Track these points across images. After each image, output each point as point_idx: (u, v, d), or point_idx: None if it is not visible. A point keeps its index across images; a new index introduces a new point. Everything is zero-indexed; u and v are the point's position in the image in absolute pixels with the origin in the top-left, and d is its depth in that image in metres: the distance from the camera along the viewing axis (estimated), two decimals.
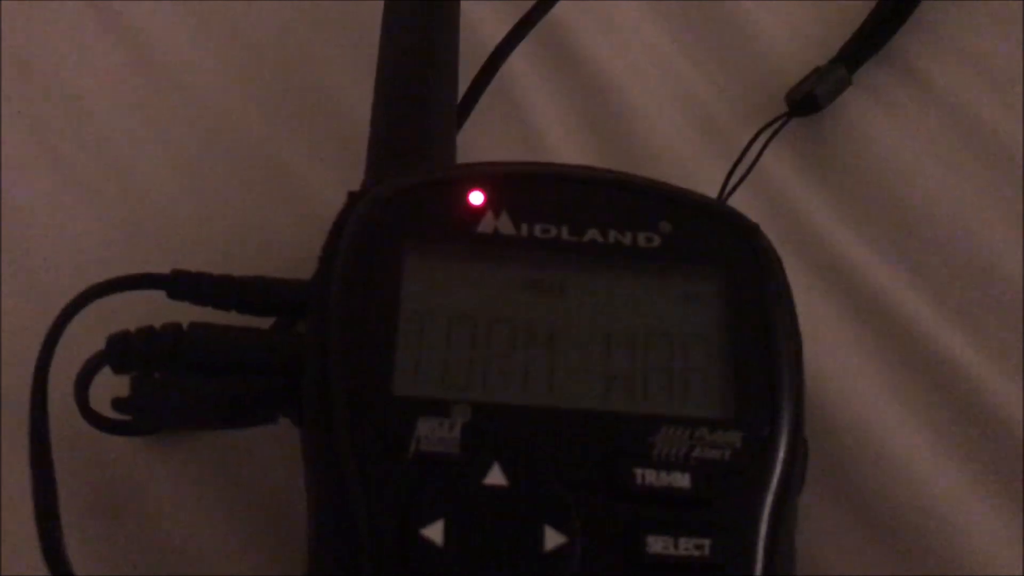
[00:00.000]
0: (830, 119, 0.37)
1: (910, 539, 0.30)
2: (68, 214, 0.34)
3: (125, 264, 0.28)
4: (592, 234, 0.25)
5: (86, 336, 0.26)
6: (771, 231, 0.31)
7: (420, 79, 0.30)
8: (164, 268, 0.27)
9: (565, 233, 0.25)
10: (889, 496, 0.30)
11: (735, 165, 0.34)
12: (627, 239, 0.25)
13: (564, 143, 0.36)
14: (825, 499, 0.30)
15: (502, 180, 0.26)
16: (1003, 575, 0.29)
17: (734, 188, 0.34)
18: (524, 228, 0.25)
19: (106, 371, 0.26)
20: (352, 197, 0.26)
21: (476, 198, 0.25)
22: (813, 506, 0.30)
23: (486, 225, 0.25)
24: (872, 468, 0.30)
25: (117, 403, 0.25)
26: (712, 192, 0.34)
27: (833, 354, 0.32)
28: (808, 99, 0.36)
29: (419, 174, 0.27)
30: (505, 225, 0.25)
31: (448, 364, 0.24)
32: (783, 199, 0.35)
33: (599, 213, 0.26)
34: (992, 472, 0.31)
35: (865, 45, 0.37)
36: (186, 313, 0.26)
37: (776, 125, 0.35)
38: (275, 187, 0.34)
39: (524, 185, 0.26)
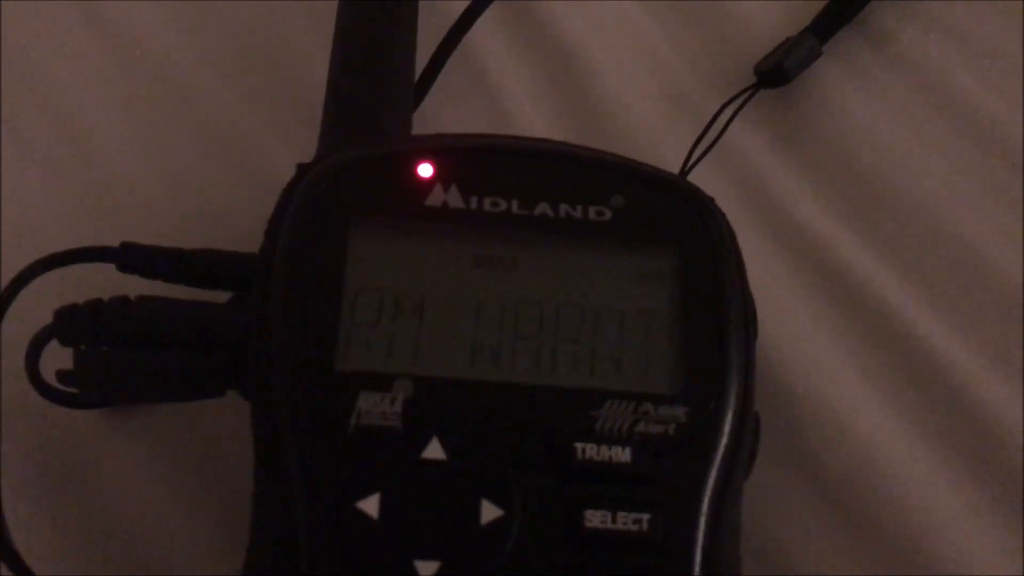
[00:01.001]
0: (799, 91, 0.36)
1: (869, 514, 0.29)
2: (25, 186, 0.33)
3: (82, 237, 0.28)
4: (543, 208, 0.25)
5: (40, 309, 0.26)
6: (738, 204, 0.31)
7: (374, 51, 0.30)
8: (122, 241, 0.27)
9: (515, 207, 0.25)
10: (848, 470, 0.30)
11: (700, 137, 0.34)
12: (578, 213, 0.25)
13: (530, 113, 0.36)
14: (783, 473, 0.30)
15: (451, 153, 0.26)
16: (960, 546, 0.29)
17: (698, 160, 0.34)
18: (473, 201, 0.25)
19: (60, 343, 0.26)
20: (301, 169, 0.26)
21: (424, 171, 0.25)
22: (770, 480, 0.29)
23: (434, 198, 0.25)
24: (832, 442, 0.30)
25: (61, 375, 0.25)
26: (677, 164, 0.34)
27: (798, 328, 0.32)
28: (777, 70, 0.35)
29: (368, 146, 0.26)
30: (454, 198, 0.25)
31: (392, 339, 0.24)
32: (750, 172, 0.35)
33: (550, 186, 0.25)
34: (956, 446, 0.31)
35: (837, 15, 0.37)
36: (144, 287, 0.26)
37: (744, 97, 0.35)
38: (235, 160, 0.34)
39: (474, 158, 0.26)
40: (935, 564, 0.29)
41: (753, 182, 0.35)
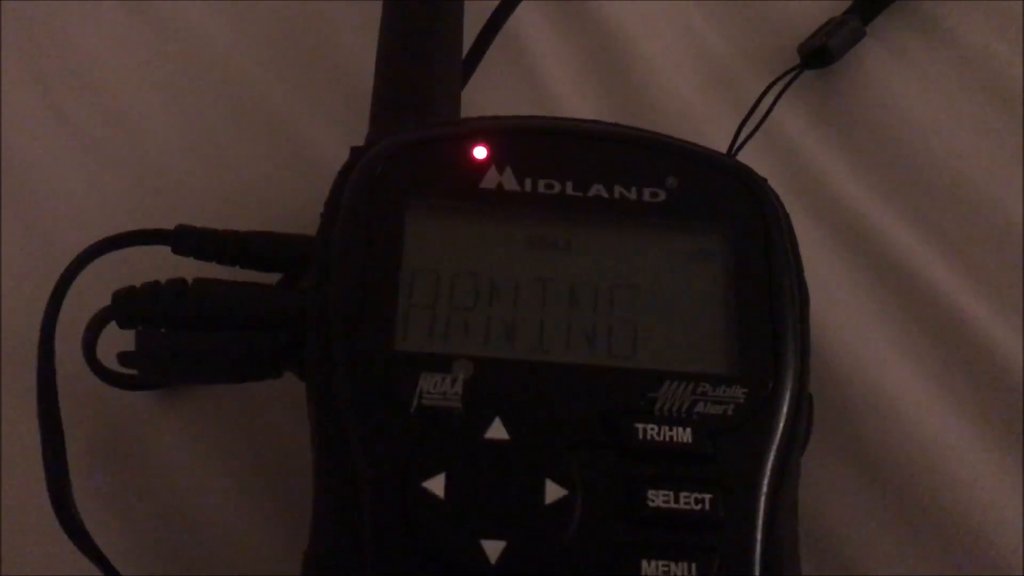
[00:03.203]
0: (844, 71, 0.36)
1: (915, 492, 0.30)
2: (75, 171, 0.34)
3: (132, 220, 0.28)
4: (597, 189, 0.25)
5: (95, 291, 0.26)
6: (782, 185, 0.31)
7: (423, 33, 0.30)
8: (172, 224, 0.27)
9: (569, 188, 0.25)
10: (896, 451, 0.30)
11: (746, 118, 0.34)
12: (632, 194, 0.25)
13: (573, 95, 0.36)
14: (832, 454, 0.30)
15: (506, 135, 0.26)
16: (1007, 528, 0.29)
17: (744, 142, 0.34)
18: (528, 184, 0.25)
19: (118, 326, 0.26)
20: (355, 152, 0.26)
21: (479, 153, 0.25)
22: (819, 460, 0.30)
23: (489, 180, 0.25)
24: (881, 424, 0.30)
25: (122, 357, 0.25)
26: (723, 146, 0.34)
27: (844, 309, 0.32)
28: (821, 51, 0.35)
29: (422, 129, 0.27)
30: (509, 181, 0.25)
31: (451, 319, 0.24)
32: (795, 153, 0.35)
33: (604, 168, 0.25)
34: (1001, 427, 0.31)
35: None
36: (193, 269, 0.26)
37: (788, 78, 0.35)
38: (282, 142, 0.34)
39: (528, 140, 0.26)
40: (982, 540, 0.29)
41: (798, 163, 0.35)
